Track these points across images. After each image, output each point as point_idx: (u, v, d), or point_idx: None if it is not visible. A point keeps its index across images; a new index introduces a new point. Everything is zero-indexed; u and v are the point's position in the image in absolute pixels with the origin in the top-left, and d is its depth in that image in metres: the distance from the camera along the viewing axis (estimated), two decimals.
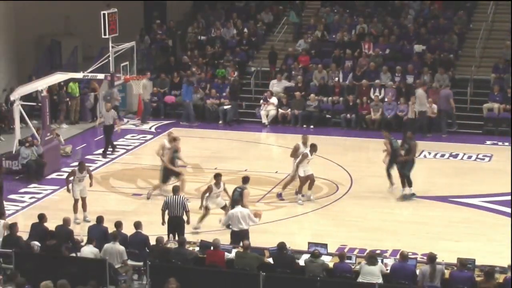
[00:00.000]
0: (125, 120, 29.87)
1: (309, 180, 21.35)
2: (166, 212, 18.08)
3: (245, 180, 19.14)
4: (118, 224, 17.02)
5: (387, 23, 32.54)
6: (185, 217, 18.01)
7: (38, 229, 17.31)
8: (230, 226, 17.94)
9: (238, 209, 17.67)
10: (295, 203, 21.16)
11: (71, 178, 20.21)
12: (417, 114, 27.83)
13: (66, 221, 17.32)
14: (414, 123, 27.67)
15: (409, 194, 21.65)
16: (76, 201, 20.26)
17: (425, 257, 15.81)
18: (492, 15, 32.54)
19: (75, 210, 20.15)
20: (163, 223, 18.10)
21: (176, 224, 17.86)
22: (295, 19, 33.35)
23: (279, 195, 21.75)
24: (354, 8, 34.00)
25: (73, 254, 16.58)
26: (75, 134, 28.68)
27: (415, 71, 29.92)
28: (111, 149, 26.01)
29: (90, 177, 20.73)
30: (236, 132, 27.87)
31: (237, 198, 18.36)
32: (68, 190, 20.20)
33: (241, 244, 16.62)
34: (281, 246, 16.07)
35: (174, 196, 18.06)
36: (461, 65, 30.58)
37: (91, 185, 20.75)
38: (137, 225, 17.04)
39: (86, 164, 20.94)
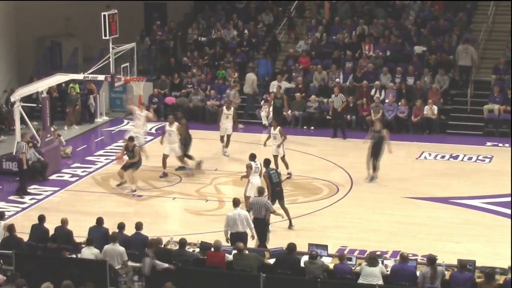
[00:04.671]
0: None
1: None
2: (251, 212, 18.02)
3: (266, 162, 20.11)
4: (121, 226, 17.03)
5: (387, 24, 32.53)
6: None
7: (38, 230, 17.30)
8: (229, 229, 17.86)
9: (236, 212, 17.60)
10: (294, 205, 21.09)
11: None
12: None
13: (64, 222, 17.30)
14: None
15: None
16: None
17: (425, 259, 15.80)
18: (493, 16, 32.52)
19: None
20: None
21: (257, 226, 17.80)
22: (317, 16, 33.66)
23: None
24: (355, 9, 33.96)
25: (73, 256, 16.58)
26: (75, 135, 28.68)
27: (416, 72, 29.92)
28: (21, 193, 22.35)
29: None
30: (236, 133, 27.81)
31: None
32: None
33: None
34: (291, 248, 15.99)
35: (258, 198, 18.06)
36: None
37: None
38: (138, 226, 17.02)
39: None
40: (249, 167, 20.16)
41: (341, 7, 33.82)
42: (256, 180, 20.02)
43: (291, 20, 33.74)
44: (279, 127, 23.34)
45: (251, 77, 30.66)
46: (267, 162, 20.15)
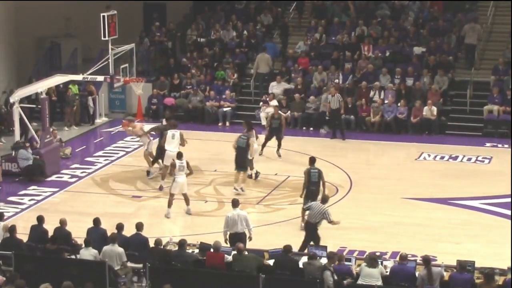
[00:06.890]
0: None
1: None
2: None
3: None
4: (120, 227, 17.01)
5: (386, 25, 32.53)
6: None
7: (37, 231, 17.29)
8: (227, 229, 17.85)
9: (235, 212, 17.59)
10: (294, 205, 21.08)
11: None
12: None
13: (63, 222, 17.29)
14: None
15: None
16: None
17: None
18: (492, 17, 32.52)
19: None
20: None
21: (307, 229, 17.95)
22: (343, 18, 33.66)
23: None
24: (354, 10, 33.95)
25: (73, 256, 16.57)
26: (74, 136, 28.67)
27: (415, 73, 29.92)
28: None
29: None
30: (236, 134, 27.85)
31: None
32: None
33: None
34: (287, 249, 16.02)
35: (319, 204, 18.09)
36: (461, 67, 30.59)
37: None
38: (139, 226, 16.99)
39: None
40: (173, 165, 20.59)
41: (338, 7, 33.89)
42: (181, 179, 20.49)
43: (300, 4, 34.14)
44: (249, 132, 23.20)
45: (263, 56, 30.85)
46: (312, 159, 20.33)
